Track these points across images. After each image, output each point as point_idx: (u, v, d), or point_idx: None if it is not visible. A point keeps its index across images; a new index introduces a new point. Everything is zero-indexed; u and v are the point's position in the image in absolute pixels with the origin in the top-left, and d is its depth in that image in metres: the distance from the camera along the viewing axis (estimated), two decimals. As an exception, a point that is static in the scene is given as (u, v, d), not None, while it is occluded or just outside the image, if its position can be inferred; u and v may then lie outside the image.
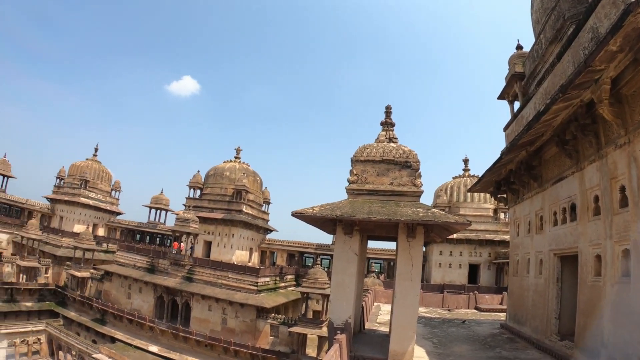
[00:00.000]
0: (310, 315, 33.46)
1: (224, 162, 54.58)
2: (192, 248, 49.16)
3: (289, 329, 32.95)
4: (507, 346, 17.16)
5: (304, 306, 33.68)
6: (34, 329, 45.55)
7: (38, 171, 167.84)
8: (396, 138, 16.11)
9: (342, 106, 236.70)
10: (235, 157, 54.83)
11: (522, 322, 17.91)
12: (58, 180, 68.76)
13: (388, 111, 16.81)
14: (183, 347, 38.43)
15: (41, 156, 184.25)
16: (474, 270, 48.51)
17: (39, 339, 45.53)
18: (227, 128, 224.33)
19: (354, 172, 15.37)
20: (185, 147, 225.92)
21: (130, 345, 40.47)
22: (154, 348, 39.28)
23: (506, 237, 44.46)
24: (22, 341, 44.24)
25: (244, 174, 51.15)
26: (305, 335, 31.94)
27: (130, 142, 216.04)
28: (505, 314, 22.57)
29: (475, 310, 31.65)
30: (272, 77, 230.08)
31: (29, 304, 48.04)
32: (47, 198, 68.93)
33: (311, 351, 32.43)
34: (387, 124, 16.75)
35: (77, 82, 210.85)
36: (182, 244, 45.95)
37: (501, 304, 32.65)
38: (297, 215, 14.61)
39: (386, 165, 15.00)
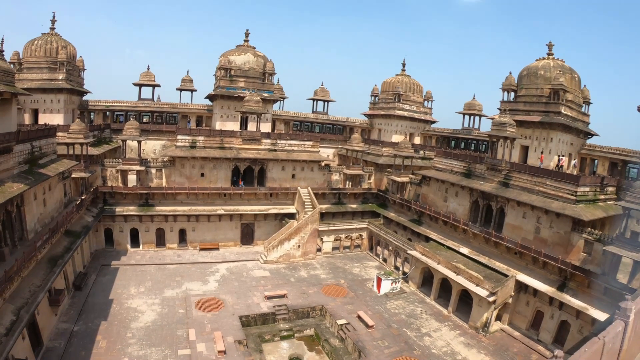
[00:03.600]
0: (628, 235, 29.63)
1: (537, 60, 50.03)
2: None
3: (603, 247, 30.29)
4: None
5: (623, 224, 30.05)
6: (358, 226, 55.19)
7: (353, 92, 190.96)
8: None
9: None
10: (548, 54, 49.42)
11: None
12: (373, 97, 77.49)
13: None
14: (493, 251, 39.93)
15: (354, 79, 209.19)
16: None
17: (360, 235, 54.77)
18: (530, 24, 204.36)
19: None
20: (489, 50, 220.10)
21: (443, 245, 44.16)
22: (464, 250, 41.85)
23: None
24: (346, 236, 54.48)
25: (559, 71, 46.07)
26: (620, 257, 28.81)
27: (434, 53, 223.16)
28: None
29: None
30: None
31: (353, 205, 57.98)
32: (364, 114, 78.97)
33: (622, 277, 29.26)
34: None
35: (372, 12, 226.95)
36: (562, 158, 45.04)
37: None
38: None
39: None
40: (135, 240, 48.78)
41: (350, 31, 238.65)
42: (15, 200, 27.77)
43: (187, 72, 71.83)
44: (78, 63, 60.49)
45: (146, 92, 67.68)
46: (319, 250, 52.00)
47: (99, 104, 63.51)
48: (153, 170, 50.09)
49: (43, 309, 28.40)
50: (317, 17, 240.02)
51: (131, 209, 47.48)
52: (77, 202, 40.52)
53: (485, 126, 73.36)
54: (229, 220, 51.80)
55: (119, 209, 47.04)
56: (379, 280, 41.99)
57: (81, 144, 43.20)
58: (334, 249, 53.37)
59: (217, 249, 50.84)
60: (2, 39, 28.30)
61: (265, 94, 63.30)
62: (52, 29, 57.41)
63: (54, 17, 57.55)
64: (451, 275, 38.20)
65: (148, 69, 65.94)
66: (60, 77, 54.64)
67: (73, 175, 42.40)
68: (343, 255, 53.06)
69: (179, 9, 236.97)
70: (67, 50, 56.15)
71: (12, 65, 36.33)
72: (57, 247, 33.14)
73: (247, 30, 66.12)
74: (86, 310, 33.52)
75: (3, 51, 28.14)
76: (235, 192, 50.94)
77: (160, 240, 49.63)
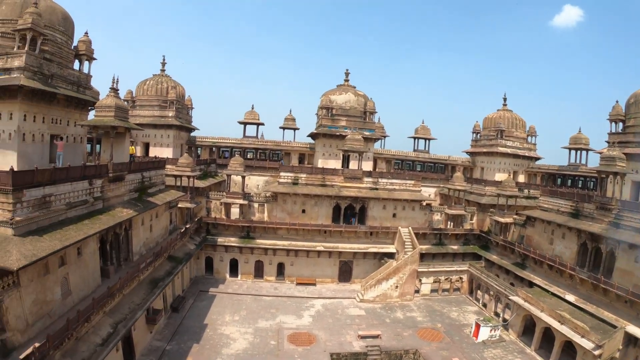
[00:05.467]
0: None
1: (644, 86, 46.71)
2: None
3: None
4: None
5: None
6: (458, 268, 54.04)
7: (454, 129, 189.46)
8: None
9: None
10: (656, 78, 46.32)
11: None
12: (474, 134, 76.71)
13: None
14: (601, 299, 37.48)
15: (455, 116, 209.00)
16: None
17: (460, 278, 53.59)
18: (633, 46, 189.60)
19: None
20: (592, 78, 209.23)
21: (547, 291, 42.15)
22: (570, 297, 39.73)
23: None
24: (445, 279, 53.56)
25: (671, 95, 42.78)
26: None
27: (534, 85, 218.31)
28: None
29: None
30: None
31: (454, 247, 57.01)
32: (466, 152, 78.21)
33: None
34: None
35: (469, 47, 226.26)
36: None
37: None
38: None
39: None
40: (234, 270, 52.11)
41: (449, 68, 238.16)
42: (124, 224, 31.50)
43: (290, 111, 76.40)
44: (187, 102, 66.87)
45: (250, 129, 73.05)
46: (417, 291, 51.55)
47: (206, 140, 69.28)
48: (255, 205, 53.51)
49: (140, 325, 31.32)
50: (415, 55, 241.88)
51: (232, 240, 51.02)
52: (182, 230, 44.55)
53: (594, 161, 69.31)
54: (327, 257, 53.22)
55: (220, 240, 50.88)
56: (477, 327, 40.81)
57: (188, 177, 47.22)
58: (432, 291, 52.64)
59: (314, 284, 52.36)
60: (117, 79, 32.27)
61: (367, 133, 65.15)
62: (163, 70, 64.32)
63: (163, 60, 64.69)
64: (555, 324, 36.15)
65: (252, 108, 71.10)
66: (170, 114, 60.68)
67: (179, 205, 46.57)
68: (441, 298, 52.06)
69: (280, 50, 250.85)
70: (176, 90, 62.50)
71: (126, 103, 42.00)
72: (159, 270, 36.57)
73: (347, 70, 69.26)
74: (180, 332, 36.34)
75: (118, 90, 32.25)
76: (335, 229, 52.53)
77: (259, 272, 52.39)
